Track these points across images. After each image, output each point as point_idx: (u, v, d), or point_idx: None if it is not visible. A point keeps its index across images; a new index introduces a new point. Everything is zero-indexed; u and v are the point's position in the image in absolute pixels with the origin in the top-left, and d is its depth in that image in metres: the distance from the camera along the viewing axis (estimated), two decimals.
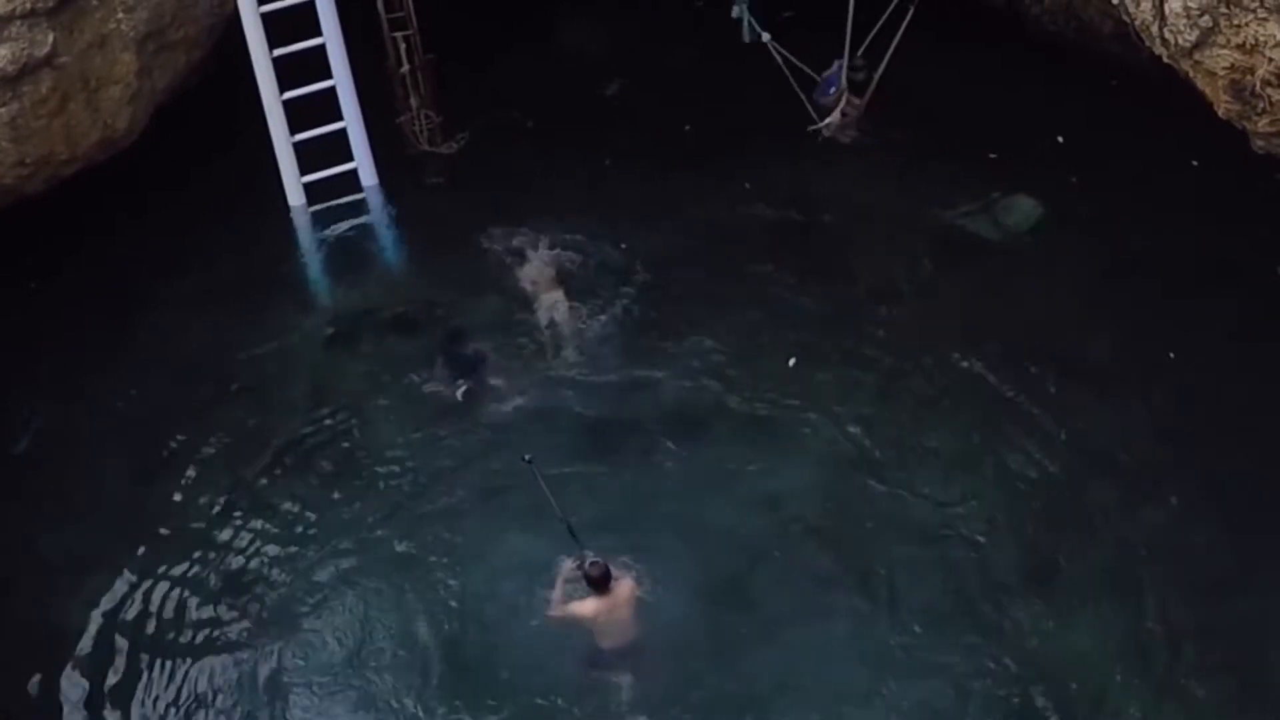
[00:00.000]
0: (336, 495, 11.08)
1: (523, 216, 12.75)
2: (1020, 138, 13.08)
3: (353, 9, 12.69)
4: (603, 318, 12.07)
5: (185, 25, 12.34)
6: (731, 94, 13.56)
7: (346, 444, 11.41)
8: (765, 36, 12.48)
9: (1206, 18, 9.31)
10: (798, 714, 9.73)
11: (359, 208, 13.15)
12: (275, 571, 10.69)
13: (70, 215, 12.29)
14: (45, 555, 10.81)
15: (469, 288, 12.39)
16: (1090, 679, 9.72)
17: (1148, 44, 10.02)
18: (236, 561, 10.77)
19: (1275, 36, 9.09)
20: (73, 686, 10.12)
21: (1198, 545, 10.24)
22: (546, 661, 9.99)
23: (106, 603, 10.54)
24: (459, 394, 11.56)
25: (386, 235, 13.14)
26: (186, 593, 10.60)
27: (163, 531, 10.93)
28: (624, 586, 9.77)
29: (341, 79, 12.68)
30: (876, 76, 12.62)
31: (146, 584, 10.64)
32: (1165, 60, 9.90)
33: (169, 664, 10.24)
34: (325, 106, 12.72)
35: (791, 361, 11.65)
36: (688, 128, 13.71)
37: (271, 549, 10.82)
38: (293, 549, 10.81)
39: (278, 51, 12.38)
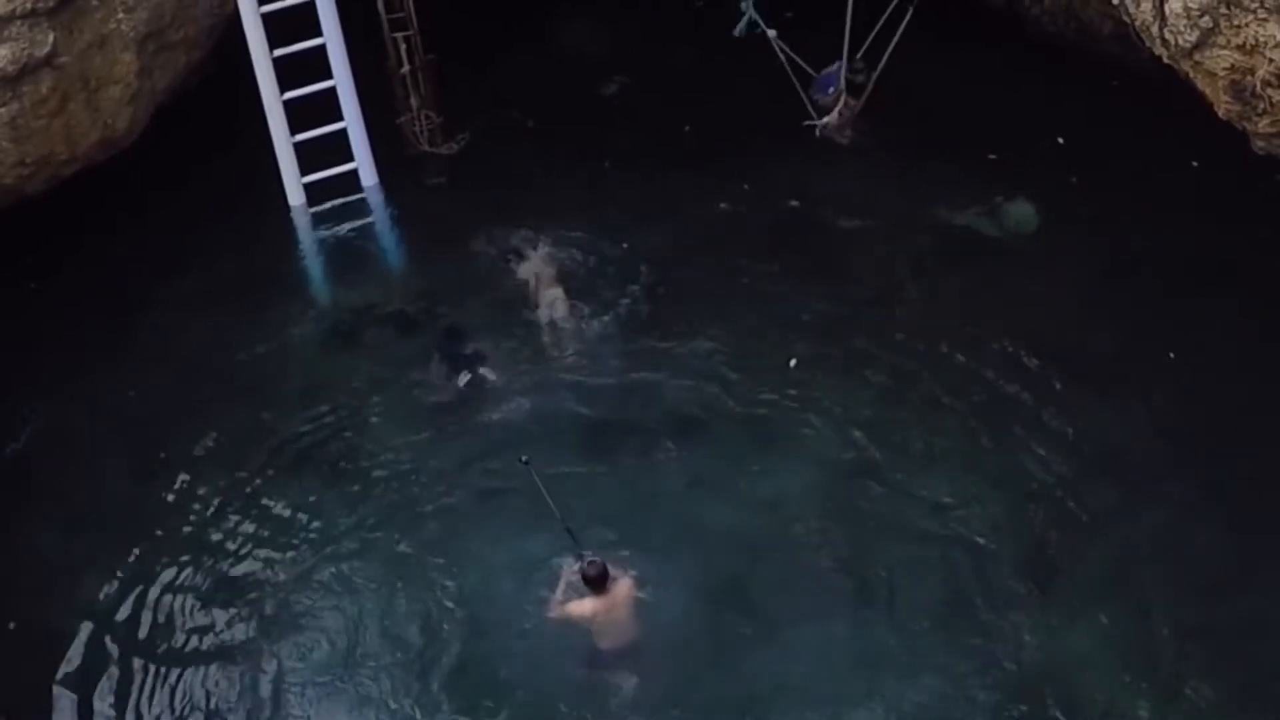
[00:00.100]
0: (336, 495, 11.08)
1: (523, 216, 12.75)
2: (1020, 138, 13.08)
3: (353, 9, 12.69)
4: (602, 318, 12.07)
5: (185, 25, 12.34)
6: (732, 94, 13.56)
7: (346, 444, 11.41)
8: (771, 33, 12.47)
9: (1207, 18, 9.32)
10: (797, 715, 9.72)
11: (359, 208, 13.15)
12: (274, 571, 10.68)
13: (70, 215, 12.29)
14: (45, 555, 10.80)
15: (469, 288, 12.39)
16: (1091, 679, 9.71)
17: (1148, 44, 10.02)
18: (236, 561, 10.77)
19: (1275, 37, 9.09)
20: (72, 686, 10.11)
21: (1198, 545, 10.24)
22: (545, 662, 9.99)
23: (106, 602, 10.54)
24: (461, 383, 11.54)
25: (387, 235, 13.14)
26: (186, 592, 10.59)
27: (162, 531, 10.93)
28: (622, 586, 9.76)
29: (342, 79, 12.68)
30: (875, 77, 12.63)
31: (146, 584, 10.63)
32: (1165, 61, 9.90)
33: (168, 663, 10.23)
34: (325, 106, 12.72)
35: (792, 362, 11.65)
36: (688, 128, 13.72)
37: (270, 549, 10.82)
38: (291, 549, 10.80)
39: (278, 52, 12.38)
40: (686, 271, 12.41)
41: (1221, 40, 9.35)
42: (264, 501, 11.08)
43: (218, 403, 11.71)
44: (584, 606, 9.70)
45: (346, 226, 13.09)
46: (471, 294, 12.34)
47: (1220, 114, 9.81)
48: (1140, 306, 11.69)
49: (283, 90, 12.52)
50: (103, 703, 10.04)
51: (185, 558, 10.77)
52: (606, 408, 11.48)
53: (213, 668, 10.19)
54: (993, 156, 13.05)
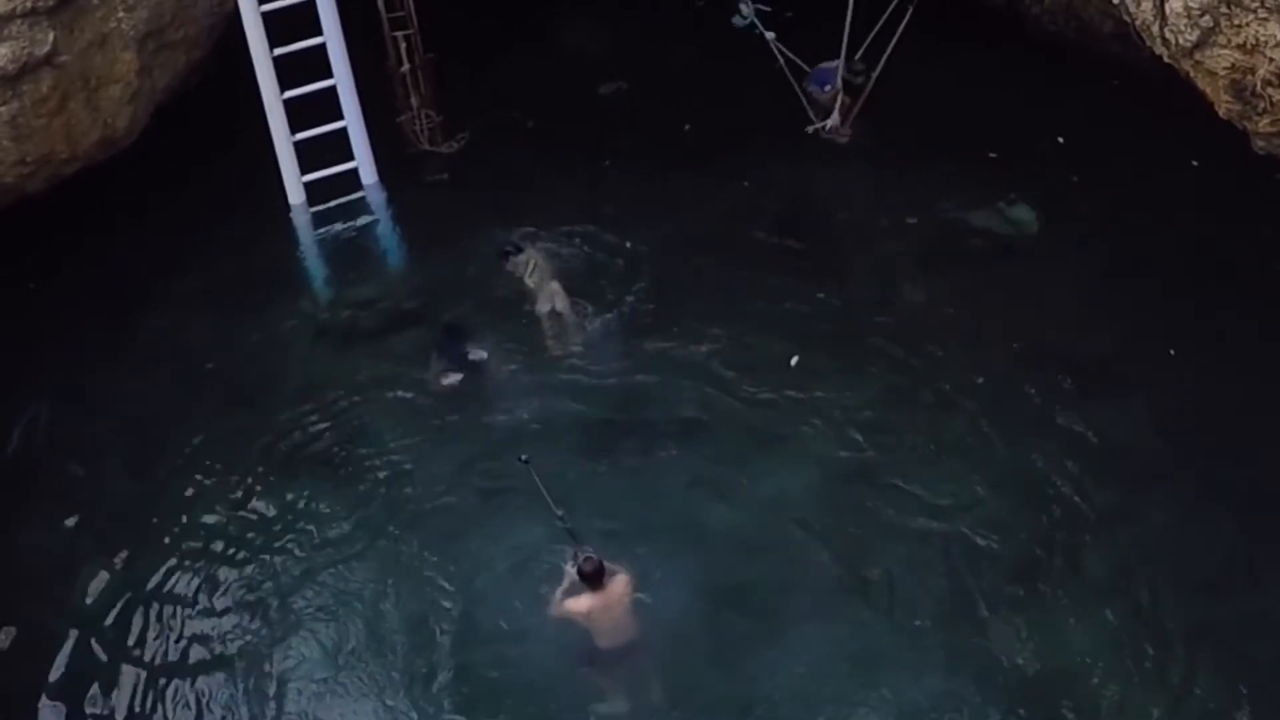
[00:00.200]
0: (335, 494, 11.07)
1: (523, 216, 12.75)
2: (1020, 137, 13.08)
3: (353, 8, 12.69)
4: (603, 317, 12.07)
5: (185, 24, 12.34)
6: (731, 94, 13.57)
7: (346, 443, 11.40)
8: (770, 36, 12.48)
9: (1207, 17, 9.32)
10: (798, 715, 9.72)
11: (359, 207, 13.15)
12: (273, 570, 10.68)
13: (70, 215, 12.29)
14: (45, 555, 10.80)
15: (469, 287, 12.39)
16: (1091, 679, 9.71)
17: (1148, 44, 10.02)
18: (235, 560, 10.76)
19: (1276, 36, 9.09)
20: (71, 685, 10.11)
21: (1198, 544, 10.24)
22: (544, 661, 9.97)
23: (106, 601, 10.53)
24: (457, 381, 11.54)
25: (387, 234, 13.14)
26: (185, 592, 10.59)
27: (162, 531, 10.92)
28: (619, 582, 9.73)
29: (342, 78, 12.68)
30: (874, 77, 12.64)
31: (146, 583, 10.63)
32: (1166, 60, 9.90)
33: (167, 663, 10.23)
34: (326, 106, 12.72)
35: (793, 361, 11.65)
36: (688, 128, 13.72)
37: (270, 548, 10.81)
38: (291, 548, 10.80)
39: (278, 51, 12.38)
40: (687, 271, 12.40)
41: (1222, 39, 9.36)
42: (264, 501, 11.08)
43: (218, 402, 11.71)
44: (580, 603, 9.68)
45: (346, 225, 13.09)
46: (471, 293, 12.34)
47: (1221, 113, 9.81)
48: (1140, 306, 11.69)
49: (283, 89, 12.52)
50: (101, 702, 10.04)
51: (185, 557, 10.77)
52: (607, 407, 11.48)
53: (212, 667, 10.19)
54: (993, 156, 13.06)
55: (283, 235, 12.97)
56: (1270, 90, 9.37)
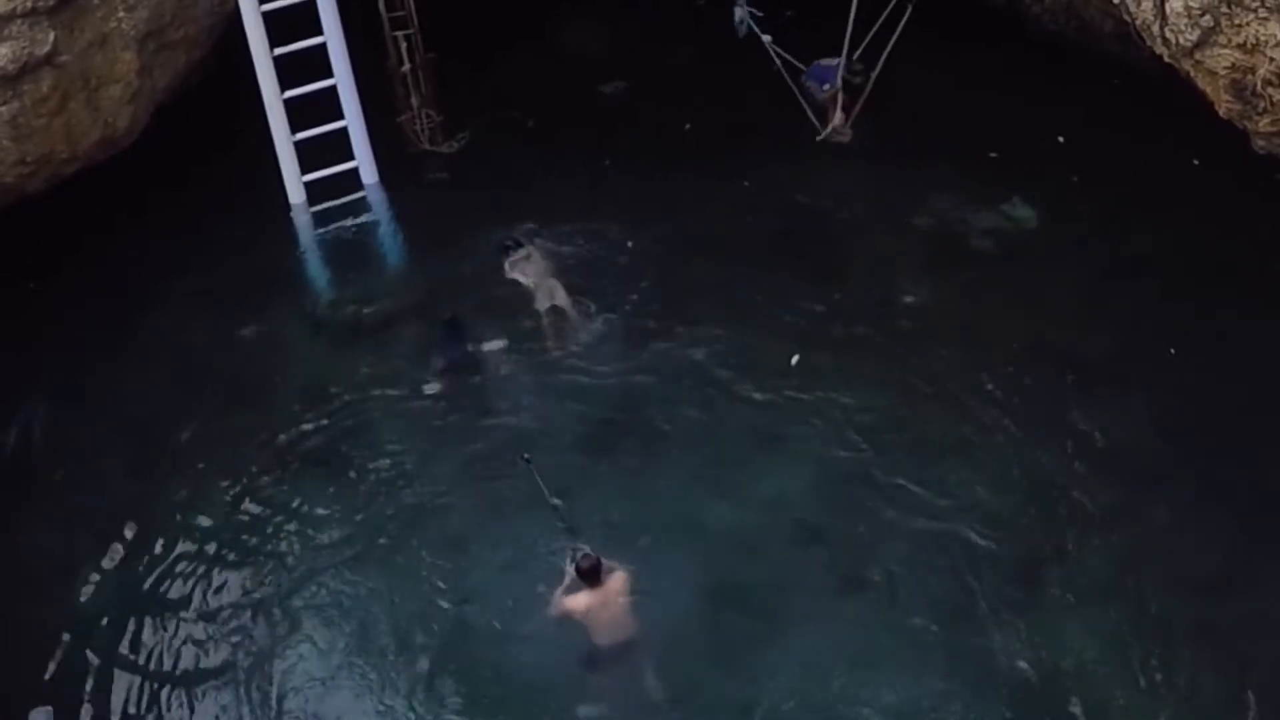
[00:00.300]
0: (336, 493, 11.07)
1: (523, 215, 12.76)
2: (1021, 137, 13.08)
3: (353, 8, 12.70)
4: (603, 316, 12.07)
5: (186, 24, 12.35)
6: (731, 94, 13.57)
7: (346, 442, 11.40)
8: (766, 39, 12.49)
9: (1208, 17, 9.32)
10: (797, 714, 9.70)
11: (359, 206, 13.16)
12: (273, 570, 10.67)
13: (70, 215, 12.30)
14: (45, 555, 10.80)
15: (469, 286, 12.39)
16: (1091, 678, 9.70)
17: (1148, 43, 10.02)
18: (235, 560, 10.76)
19: (1276, 36, 9.09)
20: (71, 684, 10.10)
21: (1198, 544, 10.23)
22: (543, 659, 9.96)
23: (105, 601, 10.53)
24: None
25: (387, 234, 13.15)
26: (185, 592, 10.58)
27: (162, 531, 10.92)
28: (617, 580, 9.74)
29: (342, 78, 12.69)
30: (874, 76, 12.64)
31: (146, 583, 10.63)
32: (1166, 60, 9.90)
33: (167, 663, 10.22)
34: (326, 105, 12.73)
35: (794, 359, 11.65)
36: (688, 127, 13.72)
37: (269, 548, 10.81)
38: (290, 547, 10.80)
39: (278, 50, 12.39)
40: (687, 270, 12.40)
41: (1222, 39, 9.36)
42: (263, 500, 11.08)
43: (217, 402, 11.71)
44: (578, 600, 9.69)
45: (347, 225, 13.10)
46: (472, 292, 12.34)
47: (1221, 113, 9.81)
48: (1140, 306, 11.68)
49: (283, 89, 12.52)
50: (101, 702, 10.02)
51: (184, 557, 10.76)
52: (607, 406, 11.48)
53: (211, 666, 10.18)
54: (993, 155, 13.06)
55: (283, 235, 12.98)
56: (1270, 90, 9.37)
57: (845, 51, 12.49)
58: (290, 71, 12.49)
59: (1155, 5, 9.62)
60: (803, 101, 12.86)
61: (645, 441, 11.21)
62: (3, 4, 10.98)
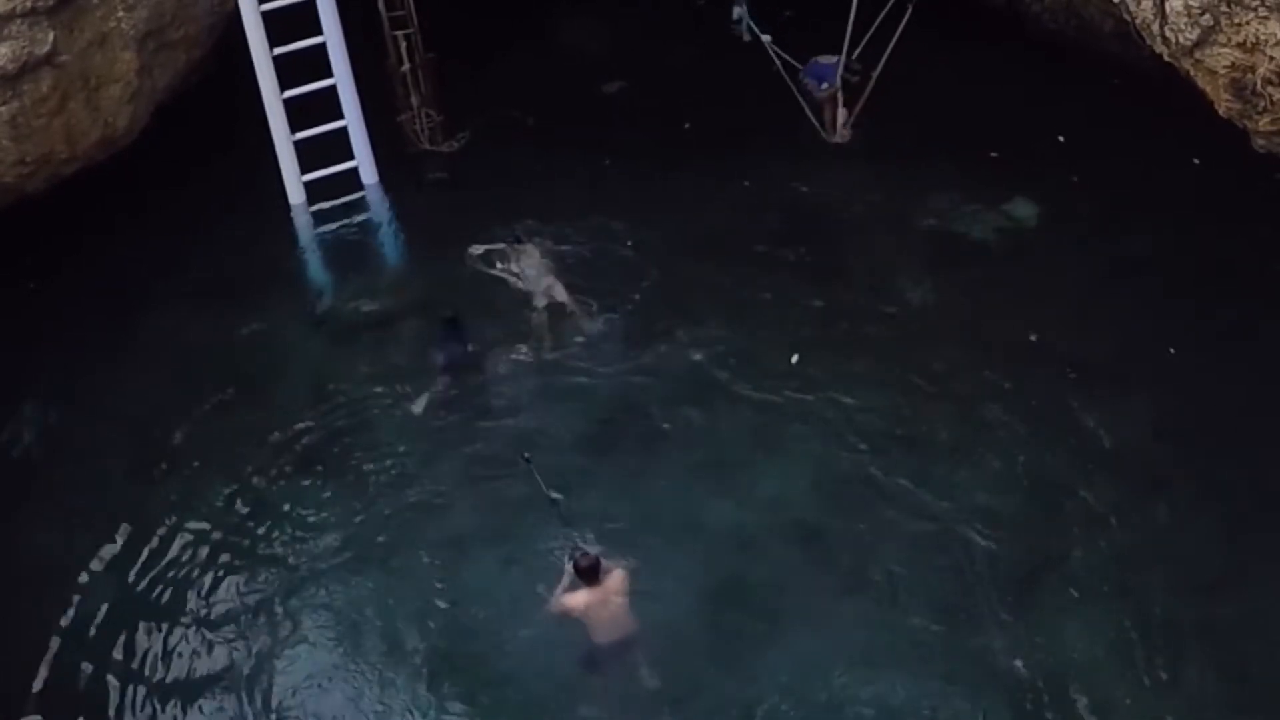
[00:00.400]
0: (335, 493, 11.07)
1: (523, 215, 12.75)
2: (1021, 136, 13.08)
3: (353, 7, 12.70)
4: (602, 315, 12.07)
5: (185, 24, 12.35)
6: (731, 94, 13.57)
7: (345, 442, 11.40)
8: (766, 39, 12.48)
9: (1207, 16, 9.32)
10: (797, 714, 9.70)
11: (359, 206, 13.16)
12: (272, 569, 10.67)
13: (70, 215, 12.30)
14: (45, 555, 10.80)
15: (469, 286, 12.38)
16: (1091, 677, 9.70)
17: (1148, 42, 10.02)
18: (234, 559, 10.76)
19: (1276, 35, 9.09)
20: (70, 684, 10.10)
21: (1197, 544, 10.23)
22: (541, 658, 9.96)
23: (105, 601, 10.52)
24: (441, 373, 11.58)
25: (387, 233, 13.15)
26: (184, 591, 10.58)
27: (162, 530, 10.91)
28: (615, 578, 9.74)
29: (342, 77, 12.69)
30: (874, 76, 12.63)
31: (145, 583, 10.63)
32: (1166, 59, 9.90)
33: (165, 663, 10.22)
34: (326, 105, 12.73)
35: (794, 359, 11.65)
36: (687, 127, 13.72)
37: (269, 547, 10.81)
38: (290, 546, 10.80)
39: (278, 50, 12.39)
40: (687, 269, 12.40)
41: (1222, 38, 9.36)
42: (263, 500, 11.08)
43: (217, 401, 11.71)
44: (577, 598, 9.69)
45: (347, 225, 13.10)
46: (472, 292, 12.33)
47: (1221, 112, 9.81)
48: (1140, 306, 11.68)
49: (283, 89, 12.52)
50: (100, 702, 10.02)
51: (184, 556, 10.76)
52: (607, 403, 11.48)
53: (210, 666, 10.18)
54: (993, 155, 13.05)
55: (283, 235, 12.98)
56: (1270, 89, 9.37)
57: (844, 50, 12.48)
58: (290, 71, 12.49)
59: (1155, 4, 9.62)
60: (802, 101, 12.86)
61: (645, 441, 11.21)
62: (2, 4, 10.98)
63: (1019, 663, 9.82)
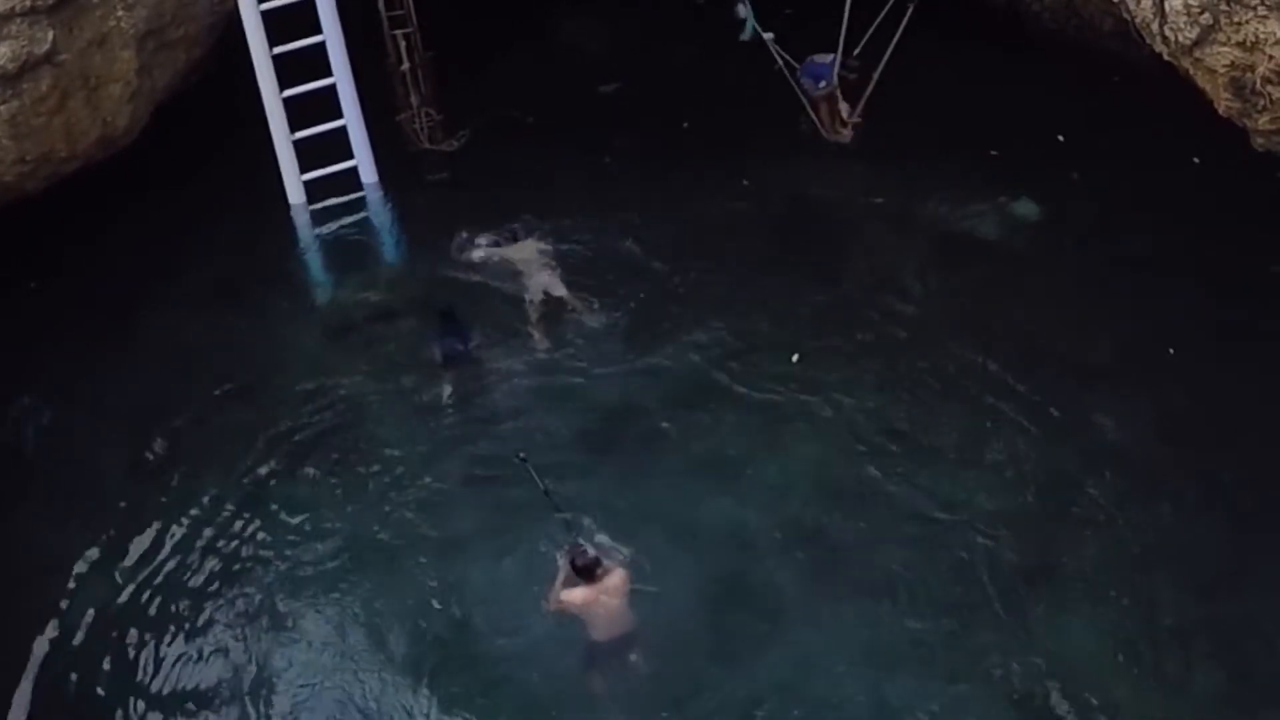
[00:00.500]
0: (335, 492, 11.07)
1: (523, 214, 12.75)
2: (1021, 135, 13.08)
3: (353, 7, 12.70)
4: (602, 314, 12.07)
5: (185, 23, 12.35)
6: (731, 93, 13.57)
7: (345, 441, 11.40)
8: (768, 37, 12.48)
9: (1207, 15, 9.32)
10: (797, 713, 9.70)
11: (359, 205, 13.16)
12: (272, 569, 10.67)
13: (70, 215, 12.29)
14: (45, 555, 10.80)
15: (469, 285, 12.38)
16: (1093, 676, 9.70)
17: (1148, 41, 10.02)
18: (234, 558, 10.76)
19: (1276, 34, 9.09)
20: (69, 683, 10.11)
21: (1198, 543, 10.23)
22: (542, 657, 9.96)
23: (103, 600, 10.52)
24: (441, 363, 11.61)
25: (386, 233, 13.14)
26: (184, 591, 10.58)
27: (162, 530, 10.91)
28: (614, 576, 9.74)
29: (341, 77, 12.68)
30: (875, 76, 12.63)
31: (144, 582, 10.63)
32: (1166, 58, 9.90)
33: (165, 661, 10.23)
34: (325, 104, 12.73)
35: (795, 358, 11.65)
36: (687, 126, 13.72)
37: (269, 546, 10.81)
38: (290, 546, 10.80)
39: (278, 49, 12.39)
40: (687, 269, 12.40)
41: (1222, 37, 9.35)
42: (262, 499, 11.08)
43: (217, 401, 11.71)
44: (575, 595, 9.69)
45: (346, 224, 13.09)
46: (471, 291, 12.33)
47: (1220, 111, 9.81)
48: (1140, 306, 11.67)
49: (282, 88, 12.52)
50: (99, 701, 10.02)
51: (184, 556, 10.76)
52: (607, 401, 11.48)
53: (208, 665, 10.18)
54: (994, 154, 13.05)
55: (283, 234, 12.97)
56: (1270, 88, 9.37)
57: (840, 49, 12.48)
58: (290, 70, 12.48)
59: (1154, 3, 9.62)
60: (803, 99, 12.85)
61: (645, 441, 11.21)
62: (2, 3, 10.98)
63: (1020, 662, 9.82)
